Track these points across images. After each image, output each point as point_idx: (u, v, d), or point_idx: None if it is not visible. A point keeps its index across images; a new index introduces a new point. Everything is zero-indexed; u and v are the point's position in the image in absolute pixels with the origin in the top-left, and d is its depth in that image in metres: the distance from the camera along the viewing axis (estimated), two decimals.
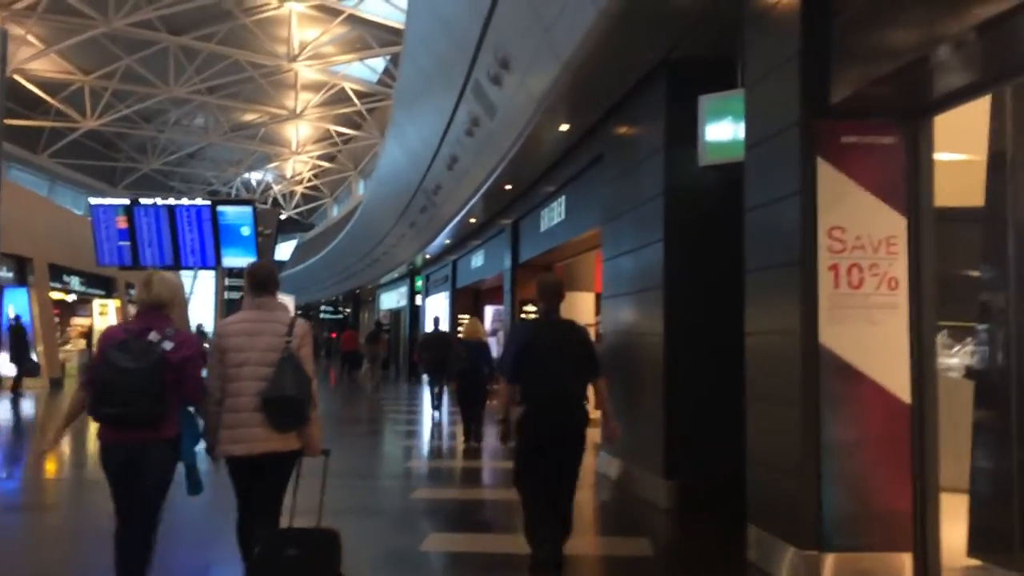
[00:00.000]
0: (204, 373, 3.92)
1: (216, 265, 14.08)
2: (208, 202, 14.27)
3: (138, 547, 3.75)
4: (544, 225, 12.14)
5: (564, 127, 9.21)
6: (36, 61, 27.67)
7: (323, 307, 37.26)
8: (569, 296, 7.07)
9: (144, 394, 3.61)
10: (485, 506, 7.46)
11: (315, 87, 32.44)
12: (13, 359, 15.12)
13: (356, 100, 32.04)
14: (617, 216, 8.28)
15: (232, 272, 23.39)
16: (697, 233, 6.78)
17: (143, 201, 14.20)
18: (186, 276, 34.29)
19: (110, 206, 14.00)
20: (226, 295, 26.88)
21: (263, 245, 14.43)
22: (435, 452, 11.21)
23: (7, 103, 29.23)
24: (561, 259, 13.32)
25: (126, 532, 3.77)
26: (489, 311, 18.98)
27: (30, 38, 26.36)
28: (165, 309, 3.92)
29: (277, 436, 3.80)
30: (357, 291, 36.89)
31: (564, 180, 10.76)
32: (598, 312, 13.19)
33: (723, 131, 5.96)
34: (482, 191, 13.00)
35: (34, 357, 17.42)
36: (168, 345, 3.71)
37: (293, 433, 3.85)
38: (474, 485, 8.72)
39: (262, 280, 4.08)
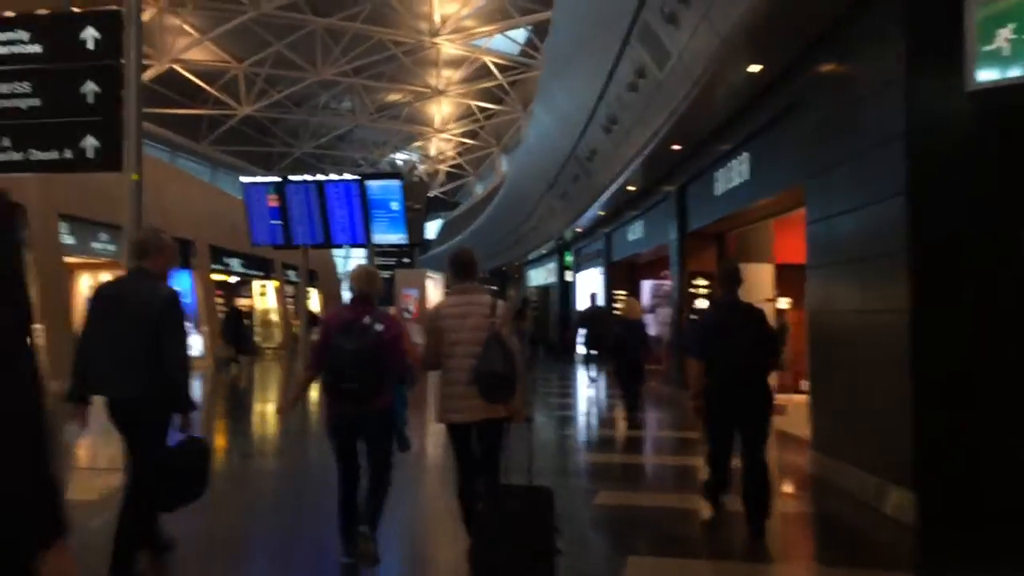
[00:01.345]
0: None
1: (366, 242, 13.61)
2: (357, 177, 13.82)
3: (374, 498, 4.44)
4: (720, 188, 10.80)
5: (753, 68, 7.88)
6: (193, 50, 28.53)
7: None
8: (743, 268, 5.91)
9: (366, 370, 4.25)
10: (647, 469, 8.20)
11: (456, 63, 32.09)
12: (230, 340, 15.89)
13: (498, 73, 31.44)
14: (827, 170, 6.90)
15: (382, 250, 23.22)
16: (958, 182, 5.34)
17: (293, 178, 13.92)
18: (338, 255, 34.88)
19: (261, 185, 13.80)
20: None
21: (413, 220, 13.89)
22: (596, 425, 11.03)
23: (169, 93, 30.54)
24: (737, 227, 11.93)
25: (347, 490, 4.54)
26: (646, 286, 17.76)
27: (187, 28, 27.18)
28: (373, 296, 4.57)
29: (488, 406, 4.23)
30: (504, 268, 36.46)
31: (747, 135, 9.39)
32: (778, 284, 11.84)
33: (1003, 40, 4.55)
34: (645, 153, 11.80)
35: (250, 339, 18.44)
36: (380, 327, 4.34)
37: (500, 403, 4.25)
38: (636, 452, 9.14)
39: (463, 265, 4.57)
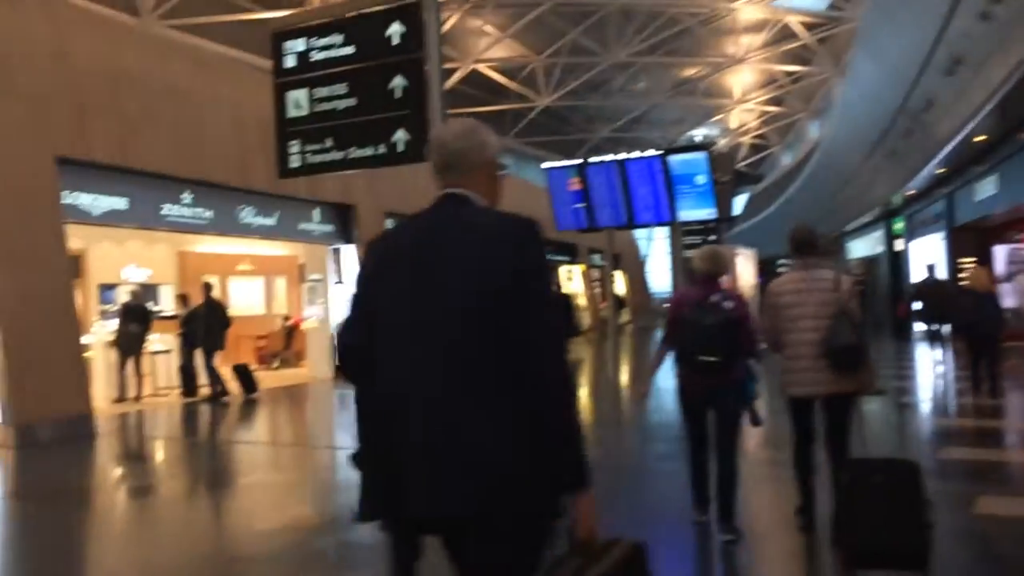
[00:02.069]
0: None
1: (671, 220, 12.99)
2: (658, 153, 13.23)
3: (726, 473, 4.60)
4: None
5: None
6: (493, 49, 29.72)
7: (780, 261, 34.89)
8: None
9: (718, 345, 4.45)
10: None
11: (756, 27, 30.22)
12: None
13: (803, 33, 29.07)
14: None
15: (688, 228, 22.43)
16: None
17: (593, 160, 13.68)
18: (639, 236, 34.59)
19: (562, 169, 13.74)
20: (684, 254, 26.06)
21: (720, 193, 13.01)
22: (945, 412, 9.74)
23: (474, 92, 32.16)
24: None
25: (699, 457, 4.83)
26: (1001, 251, 15.17)
27: (487, 28, 28.35)
28: (720, 276, 4.72)
29: (835, 379, 4.33)
30: (816, 240, 33.79)
31: None
32: None
33: None
34: (1001, 94, 9.87)
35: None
36: (729, 304, 4.51)
37: (849, 376, 4.34)
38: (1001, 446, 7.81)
39: (802, 242, 4.67)
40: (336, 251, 15.30)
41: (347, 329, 2.12)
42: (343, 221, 15.12)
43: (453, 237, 1.99)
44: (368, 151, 7.28)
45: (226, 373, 12.90)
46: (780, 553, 4.72)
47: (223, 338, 12.34)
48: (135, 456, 8.89)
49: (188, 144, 11.44)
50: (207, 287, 12.66)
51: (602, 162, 13.57)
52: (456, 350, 1.88)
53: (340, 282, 15.33)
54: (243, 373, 12.70)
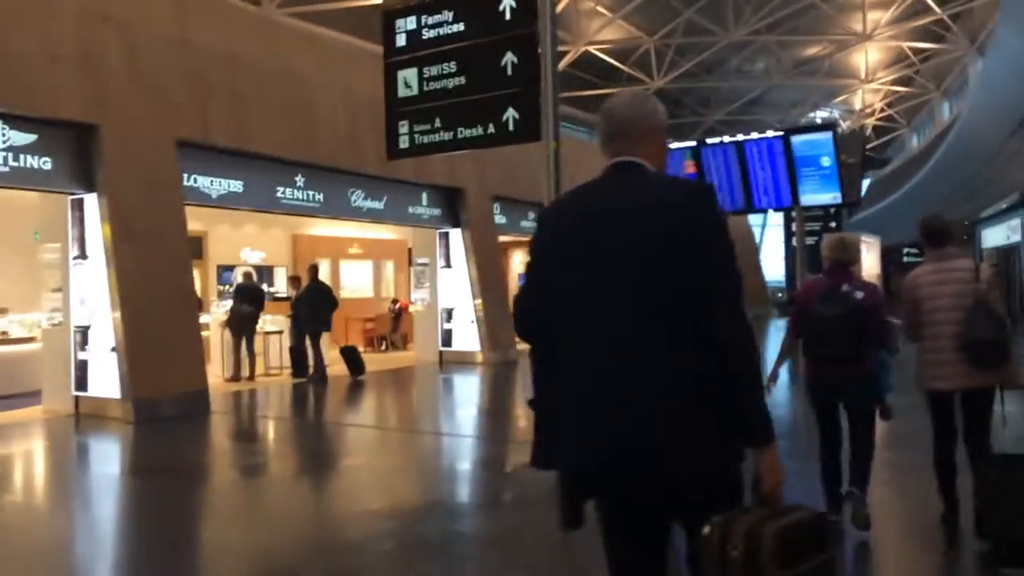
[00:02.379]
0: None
1: (792, 204, 12.30)
2: (780, 133, 12.54)
3: (859, 461, 4.48)
4: None
5: None
6: (606, 31, 29.15)
7: (907, 249, 32.94)
8: None
9: (845, 335, 4.31)
10: None
11: (884, 3, 28.50)
12: None
13: (937, 7, 27.23)
14: None
15: (809, 213, 21.34)
16: None
17: (710, 141, 13.12)
18: (753, 223, 33.38)
19: (677, 151, 13.22)
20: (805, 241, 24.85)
21: (847, 177, 12.22)
22: None
23: (585, 75, 31.68)
24: None
25: (830, 454, 4.59)
26: None
27: (600, 9, 27.80)
28: (852, 265, 4.63)
29: (976, 374, 4.16)
30: (944, 227, 31.73)
31: None
32: None
33: None
34: None
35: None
36: (859, 294, 4.38)
37: (991, 370, 4.16)
38: None
39: (935, 232, 4.50)
40: (444, 235, 15.27)
41: (523, 295, 2.19)
42: (451, 205, 15.07)
43: (628, 204, 2.01)
44: (477, 131, 7.07)
45: (334, 355, 13.08)
46: (917, 558, 4.38)
47: (328, 320, 12.48)
48: (244, 434, 9.04)
49: (301, 127, 11.57)
50: (313, 269, 12.84)
51: (719, 143, 12.98)
52: (636, 315, 1.91)
53: (448, 266, 15.30)
54: (350, 355, 12.83)
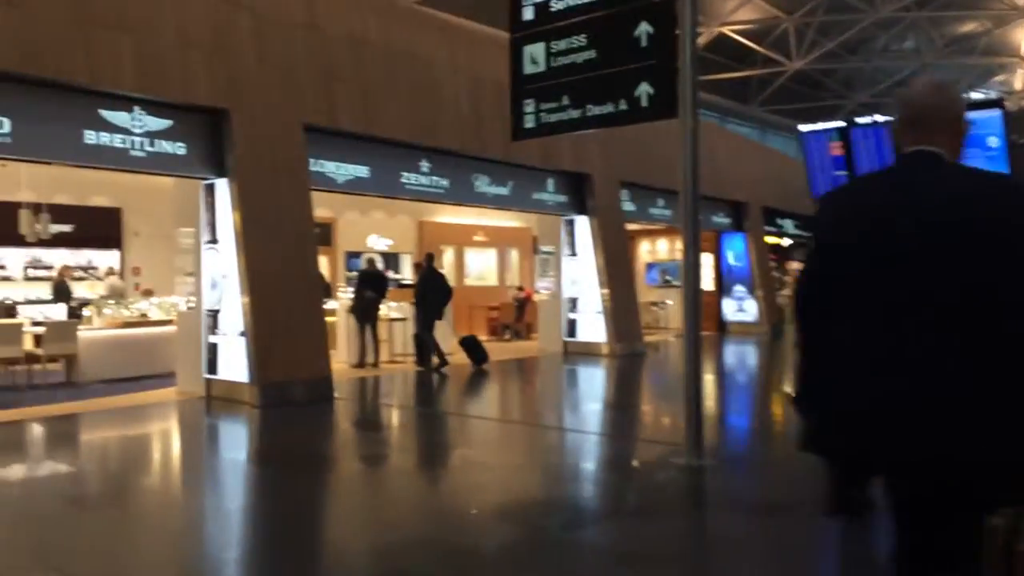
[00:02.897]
0: None
1: None
2: None
3: None
4: None
5: None
6: (741, 11, 27.88)
7: None
8: None
9: None
10: None
11: None
12: None
13: None
14: None
15: None
16: None
17: (860, 121, 12.09)
18: None
19: (822, 132, 12.28)
20: None
21: (1017, 157, 10.99)
22: None
23: (718, 58, 30.46)
24: None
25: None
26: None
27: None
28: None
29: None
30: None
31: None
32: None
33: None
34: None
35: None
36: None
37: None
38: None
39: None
40: (570, 222, 14.84)
41: (807, 281, 2.16)
42: (577, 191, 14.61)
43: (930, 196, 1.96)
44: (607, 108, 6.61)
45: (454, 345, 12.92)
46: None
47: (441, 309, 12.32)
48: (366, 423, 8.94)
49: (426, 112, 11.39)
50: (428, 257, 12.75)
51: (871, 124, 11.94)
52: (940, 308, 1.88)
53: (573, 255, 14.87)
54: (470, 345, 12.65)
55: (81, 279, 14.35)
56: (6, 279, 13.72)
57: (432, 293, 12.20)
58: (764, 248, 20.53)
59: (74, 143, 8.03)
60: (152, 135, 8.56)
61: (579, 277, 14.83)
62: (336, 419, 8.78)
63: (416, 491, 5.85)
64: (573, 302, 14.93)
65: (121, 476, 6.33)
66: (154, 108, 8.57)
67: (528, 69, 7.10)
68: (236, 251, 9.03)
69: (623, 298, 14.85)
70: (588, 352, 14.50)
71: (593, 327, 14.64)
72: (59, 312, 12.05)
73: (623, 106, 6.49)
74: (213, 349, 9.40)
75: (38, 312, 11.89)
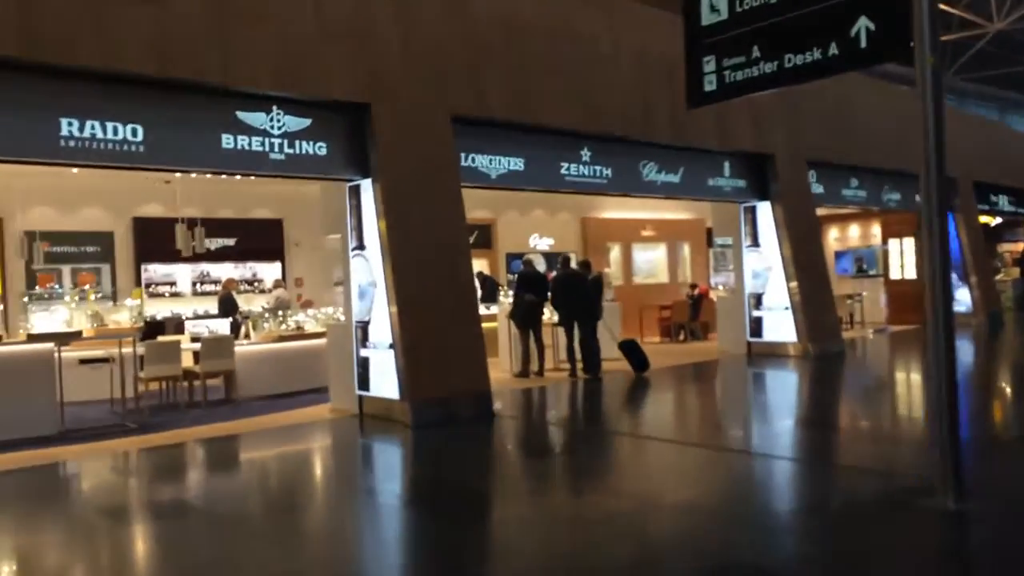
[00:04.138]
0: None
1: None
2: None
3: None
4: None
5: None
6: None
7: None
8: None
9: None
10: None
11: None
12: None
13: None
14: None
15: None
16: None
17: None
18: None
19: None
20: None
21: None
22: None
23: None
24: None
25: None
26: None
27: None
28: None
29: None
30: None
31: None
32: None
33: None
34: None
35: None
36: None
37: None
38: None
39: None
40: (750, 210, 13.27)
41: None
42: (758, 174, 13.02)
43: None
44: (812, 55, 5.21)
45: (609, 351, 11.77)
46: None
47: (578, 310, 11.34)
48: (526, 447, 7.88)
49: (586, 96, 10.27)
50: (564, 260, 11.86)
51: None
52: None
53: (755, 246, 13.29)
54: (631, 350, 11.46)
55: (246, 292, 14.32)
56: (176, 295, 13.87)
57: (563, 295, 11.22)
58: (977, 228, 18.00)
59: (211, 149, 7.53)
60: (291, 136, 7.96)
61: (762, 270, 13.23)
62: (493, 442, 7.84)
63: (579, 540, 4.70)
64: (757, 298, 13.34)
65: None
66: (292, 107, 7.97)
67: (707, 19, 5.83)
68: (382, 256, 8.30)
69: (816, 291, 13.12)
70: (776, 353, 12.89)
71: (781, 325, 12.99)
72: (224, 326, 11.91)
73: (834, 51, 5.10)
74: (364, 363, 8.71)
75: (204, 327, 11.79)
